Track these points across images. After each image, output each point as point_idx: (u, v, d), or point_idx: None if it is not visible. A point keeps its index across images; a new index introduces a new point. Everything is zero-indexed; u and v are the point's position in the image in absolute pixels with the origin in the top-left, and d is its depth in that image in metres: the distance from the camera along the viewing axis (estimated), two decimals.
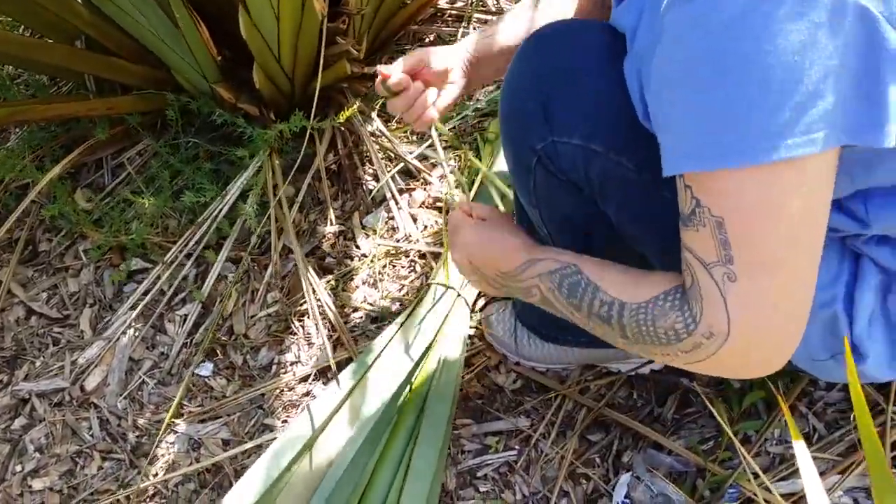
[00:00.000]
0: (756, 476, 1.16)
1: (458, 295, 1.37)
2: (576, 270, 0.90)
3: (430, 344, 1.32)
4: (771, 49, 0.67)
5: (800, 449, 0.73)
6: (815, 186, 0.72)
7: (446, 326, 1.34)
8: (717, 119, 0.70)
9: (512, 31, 1.15)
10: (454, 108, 1.67)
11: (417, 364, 1.30)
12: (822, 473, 1.17)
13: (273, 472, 1.20)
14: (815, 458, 1.18)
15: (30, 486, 1.37)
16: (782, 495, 1.15)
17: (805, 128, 0.68)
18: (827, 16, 0.66)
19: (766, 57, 0.67)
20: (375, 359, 1.31)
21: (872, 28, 0.67)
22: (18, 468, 1.39)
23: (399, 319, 1.36)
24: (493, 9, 1.82)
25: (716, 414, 1.19)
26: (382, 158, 1.62)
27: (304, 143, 1.55)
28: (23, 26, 1.82)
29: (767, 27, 0.67)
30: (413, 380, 1.30)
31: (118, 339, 1.50)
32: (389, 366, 1.30)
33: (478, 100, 1.67)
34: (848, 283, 0.92)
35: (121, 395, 1.44)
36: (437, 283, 1.39)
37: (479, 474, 1.26)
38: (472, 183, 1.53)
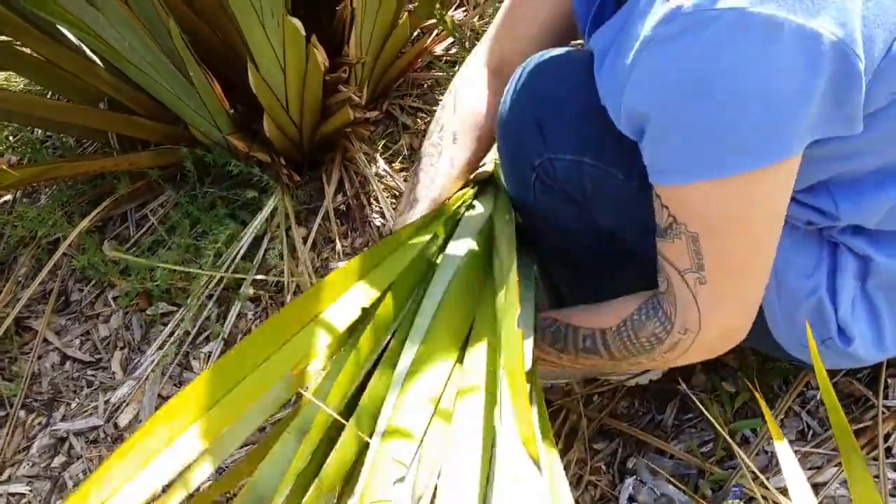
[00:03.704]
0: (755, 476, 1.22)
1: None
2: (553, 321, 1.04)
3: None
4: (740, 79, 0.75)
5: (781, 447, 0.78)
6: (778, 191, 0.82)
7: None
8: (689, 138, 0.80)
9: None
10: None
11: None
12: (819, 467, 1.21)
13: None
14: (811, 454, 1.23)
15: None
16: (778, 489, 1.20)
17: (766, 142, 0.77)
18: (790, 45, 0.74)
19: (736, 84, 0.75)
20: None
21: (843, 54, 0.74)
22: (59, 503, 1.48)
23: None
24: None
25: (710, 418, 1.25)
26: (388, 196, 1.72)
27: (300, 186, 1.65)
28: (50, 92, 1.96)
29: (736, 61, 0.75)
30: None
31: (147, 378, 1.59)
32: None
33: None
34: (828, 271, 1.00)
35: None
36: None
37: None
38: None
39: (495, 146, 1.18)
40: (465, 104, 1.19)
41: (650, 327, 0.94)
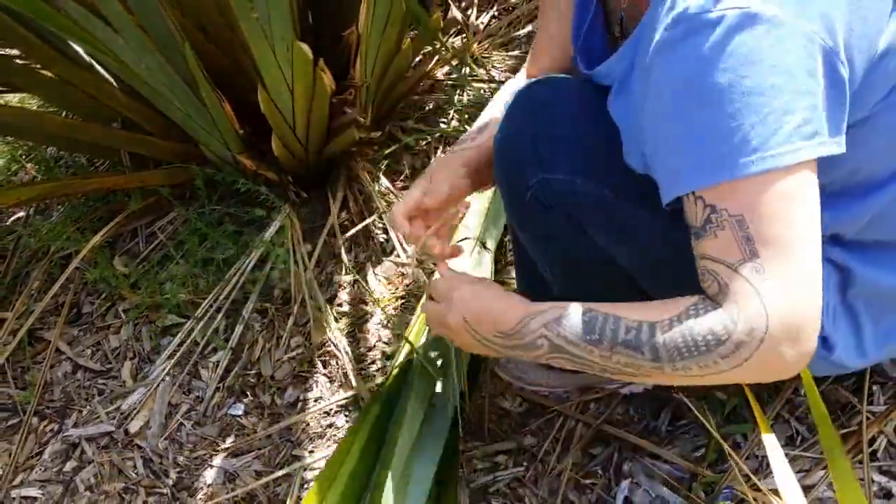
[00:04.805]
0: (747, 479, 1.26)
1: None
2: (587, 309, 0.93)
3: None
4: (772, 77, 0.79)
5: (769, 439, 0.81)
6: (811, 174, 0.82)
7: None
8: (729, 138, 0.80)
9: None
10: None
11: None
12: (807, 470, 1.26)
13: None
14: (800, 457, 1.27)
15: None
16: (770, 490, 1.25)
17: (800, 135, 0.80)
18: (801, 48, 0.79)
19: (764, 85, 0.79)
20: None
21: (832, 60, 0.81)
22: None
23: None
24: (486, 77, 2.01)
25: (704, 422, 1.30)
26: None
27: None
28: (65, 112, 2.03)
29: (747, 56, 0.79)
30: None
31: (157, 386, 1.64)
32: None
33: None
34: None
35: (161, 437, 1.57)
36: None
37: (491, 490, 1.37)
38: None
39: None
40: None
41: (709, 323, 0.83)
